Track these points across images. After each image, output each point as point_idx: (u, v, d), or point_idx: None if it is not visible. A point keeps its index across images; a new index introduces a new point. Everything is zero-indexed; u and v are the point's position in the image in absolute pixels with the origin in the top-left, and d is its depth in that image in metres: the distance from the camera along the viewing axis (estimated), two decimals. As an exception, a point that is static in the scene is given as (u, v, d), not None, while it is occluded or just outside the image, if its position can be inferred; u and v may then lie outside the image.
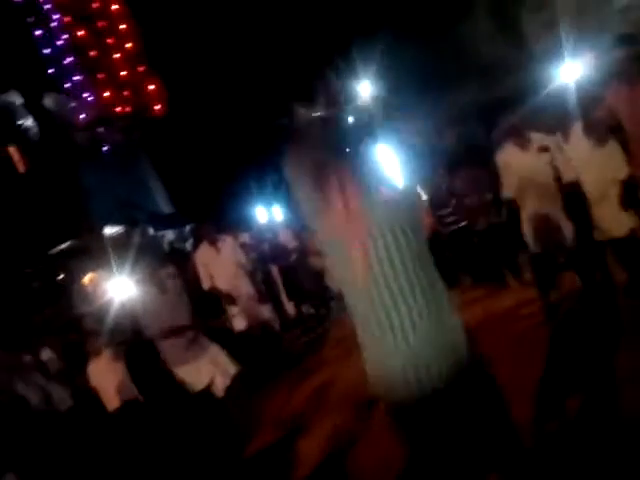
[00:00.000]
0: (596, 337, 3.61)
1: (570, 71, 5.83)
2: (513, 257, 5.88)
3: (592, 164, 3.83)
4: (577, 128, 3.96)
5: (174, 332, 4.12)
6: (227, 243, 5.64)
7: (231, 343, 5.47)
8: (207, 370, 4.15)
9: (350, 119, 1.97)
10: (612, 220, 3.83)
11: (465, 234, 5.84)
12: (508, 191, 4.56)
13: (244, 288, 5.47)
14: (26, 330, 4.41)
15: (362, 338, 1.78)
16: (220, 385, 4.17)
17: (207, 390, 4.19)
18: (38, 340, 4.49)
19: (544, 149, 4.24)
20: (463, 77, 12.73)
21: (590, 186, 3.92)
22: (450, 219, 6.01)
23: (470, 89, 12.41)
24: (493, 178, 5.21)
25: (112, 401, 4.70)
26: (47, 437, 3.83)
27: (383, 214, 1.71)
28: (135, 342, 4.83)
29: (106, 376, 4.72)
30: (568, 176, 4.20)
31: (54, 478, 3.67)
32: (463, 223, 5.85)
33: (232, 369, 4.27)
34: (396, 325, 1.65)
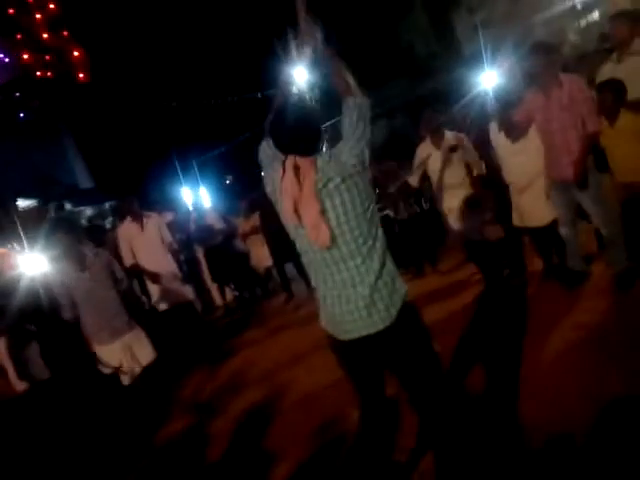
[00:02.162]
0: (509, 321, 3.90)
1: (491, 75, 6.19)
2: (431, 247, 6.21)
3: (515, 158, 4.09)
4: (496, 127, 4.21)
5: (94, 310, 3.99)
6: (152, 220, 5.47)
7: (152, 322, 5.37)
8: (116, 355, 4.03)
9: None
10: (534, 210, 4.09)
11: (387, 222, 6.00)
12: (415, 181, 5.06)
13: (168, 267, 5.35)
14: None
15: (319, 288, 2.06)
16: (128, 372, 4.06)
17: (115, 376, 4.10)
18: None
19: (453, 148, 4.55)
20: (397, 72, 13.04)
21: (514, 177, 4.17)
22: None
23: (402, 84, 12.73)
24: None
25: (19, 382, 4.48)
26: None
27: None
28: (49, 320, 4.61)
29: (12, 356, 4.48)
30: (478, 170, 4.57)
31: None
32: (386, 212, 6.05)
33: (145, 358, 4.16)
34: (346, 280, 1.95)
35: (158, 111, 14.65)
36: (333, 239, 1.88)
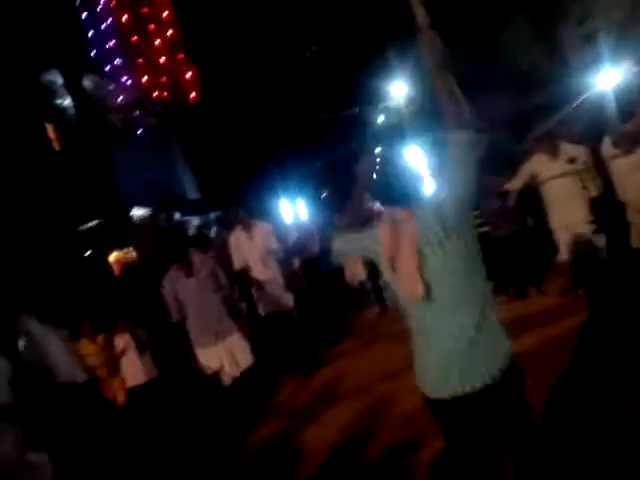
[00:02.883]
0: (620, 348, 3.59)
1: (605, 83, 5.79)
2: (535, 266, 5.90)
3: (633, 174, 3.81)
4: (609, 140, 3.97)
5: (200, 314, 4.26)
6: (260, 228, 5.71)
7: (252, 328, 5.61)
8: (218, 357, 4.25)
9: (381, 118, 2.03)
10: None
11: (485, 240, 5.76)
12: (515, 187, 4.80)
13: (272, 274, 5.55)
14: (57, 303, 4.53)
15: (415, 340, 1.92)
16: (227, 375, 4.28)
17: (215, 377, 4.32)
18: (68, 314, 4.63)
19: (571, 160, 4.27)
20: (499, 84, 12.66)
21: (633, 194, 3.88)
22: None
23: (505, 97, 12.33)
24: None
25: (133, 378, 4.87)
26: (69, 407, 3.95)
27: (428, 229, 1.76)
28: (161, 322, 4.96)
29: (130, 354, 4.89)
30: (596, 187, 4.24)
31: (73, 448, 3.78)
32: (485, 228, 5.83)
33: (245, 362, 4.34)
34: (444, 333, 1.78)
35: (261, 128, 15.34)
36: (428, 292, 1.75)
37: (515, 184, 4.79)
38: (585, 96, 6.61)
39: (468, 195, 1.75)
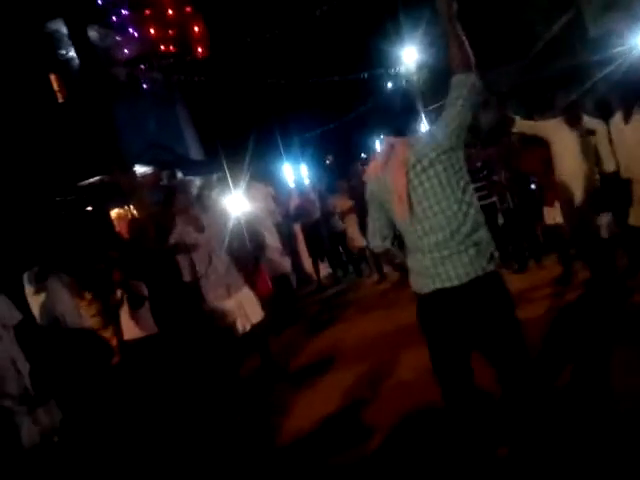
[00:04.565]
0: (603, 327, 3.58)
1: (625, 56, 5.57)
2: (536, 240, 5.88)
3: (638, 150, 3.72)
4: (620, 117, 3.86)
5: (213, 268, 4.24)
6: (259, 191, 5.66)
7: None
8: (231, 311, 4.25)
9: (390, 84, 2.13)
10: None
11: (491, 211, 5.65)
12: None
13: (270, 237, 5.53)
14: (62, 256, 4.54)
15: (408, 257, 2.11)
16: (239, 329, 4.28)
17: (228, 330, 4.31)
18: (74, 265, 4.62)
19: (591, 132, 4.15)
20: (514, 53, 12.36)
21: (636, 171, 3.79)
22: (479, 194, 5.94)
23: (518, 66, 12.06)
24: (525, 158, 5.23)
25: (127, 332, 4.88)
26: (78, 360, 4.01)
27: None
28: (166, 282, 4.94)
29: (124, 308, 4.89)
30: (609, 164, 4.14)
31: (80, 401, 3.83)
32: (492, 199, 5.76)
33: (255, 316, 4.36)
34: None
35: (267, 88, 15.03)
36: (415, 214, 1.95)
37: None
38: (602, 72, 6.36)
39: (460, 131, 1.93)
